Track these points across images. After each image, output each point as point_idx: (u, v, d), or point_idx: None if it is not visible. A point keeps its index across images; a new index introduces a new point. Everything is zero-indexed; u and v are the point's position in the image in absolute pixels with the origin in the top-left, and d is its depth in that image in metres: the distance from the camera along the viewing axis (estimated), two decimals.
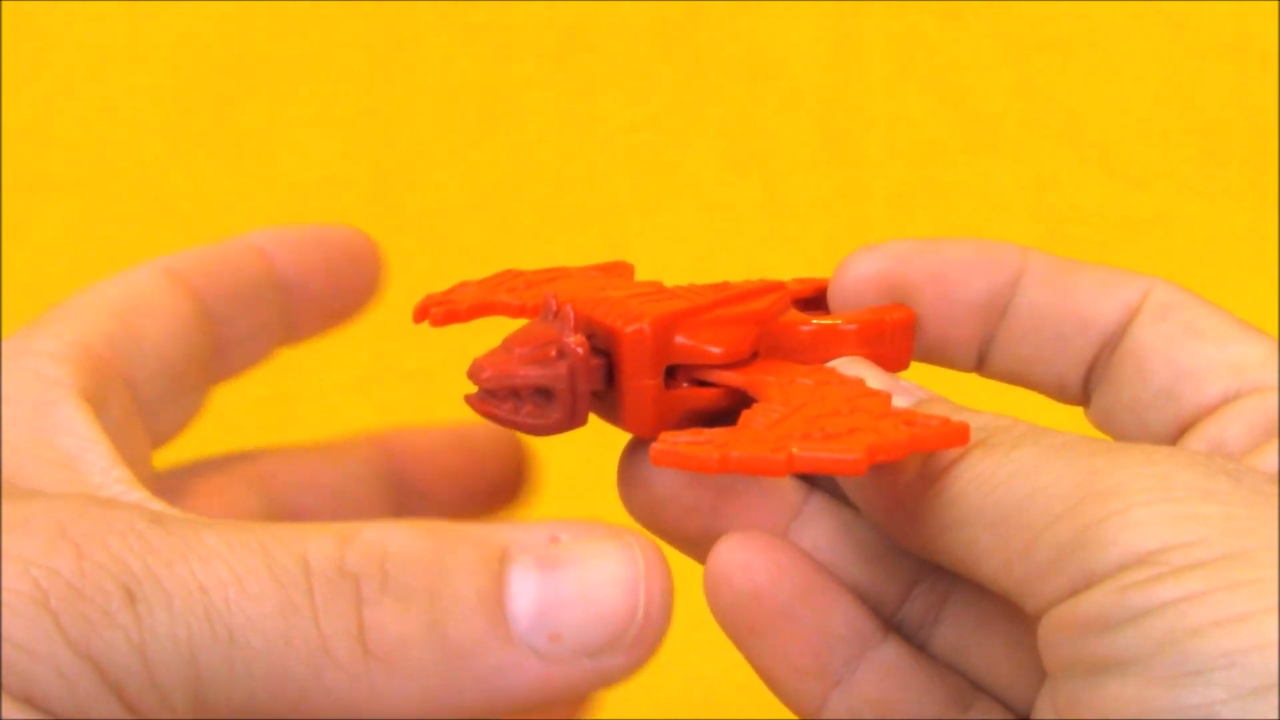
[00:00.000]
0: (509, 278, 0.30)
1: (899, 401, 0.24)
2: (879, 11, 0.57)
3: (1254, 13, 0.56)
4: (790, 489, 0.27)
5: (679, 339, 0.26)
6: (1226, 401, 0.25)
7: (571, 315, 0.25)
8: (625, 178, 0.57)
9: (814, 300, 0.28)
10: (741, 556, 0.25)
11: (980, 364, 0.27)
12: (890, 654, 0.26)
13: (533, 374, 0.25)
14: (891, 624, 0.27)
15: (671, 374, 0.26)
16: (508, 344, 0.26)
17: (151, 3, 0.57)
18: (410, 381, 0.54)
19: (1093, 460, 0.22)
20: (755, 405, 0.24)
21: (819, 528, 0.27)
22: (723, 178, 0.57)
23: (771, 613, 0.25)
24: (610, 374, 0.26)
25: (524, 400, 0.25)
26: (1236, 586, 0.20)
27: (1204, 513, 0.20)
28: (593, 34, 0.57)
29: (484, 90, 0.57)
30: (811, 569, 0.26)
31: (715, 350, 0.26)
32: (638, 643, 0.23)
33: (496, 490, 0.29)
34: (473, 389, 0.26)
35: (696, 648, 0.48)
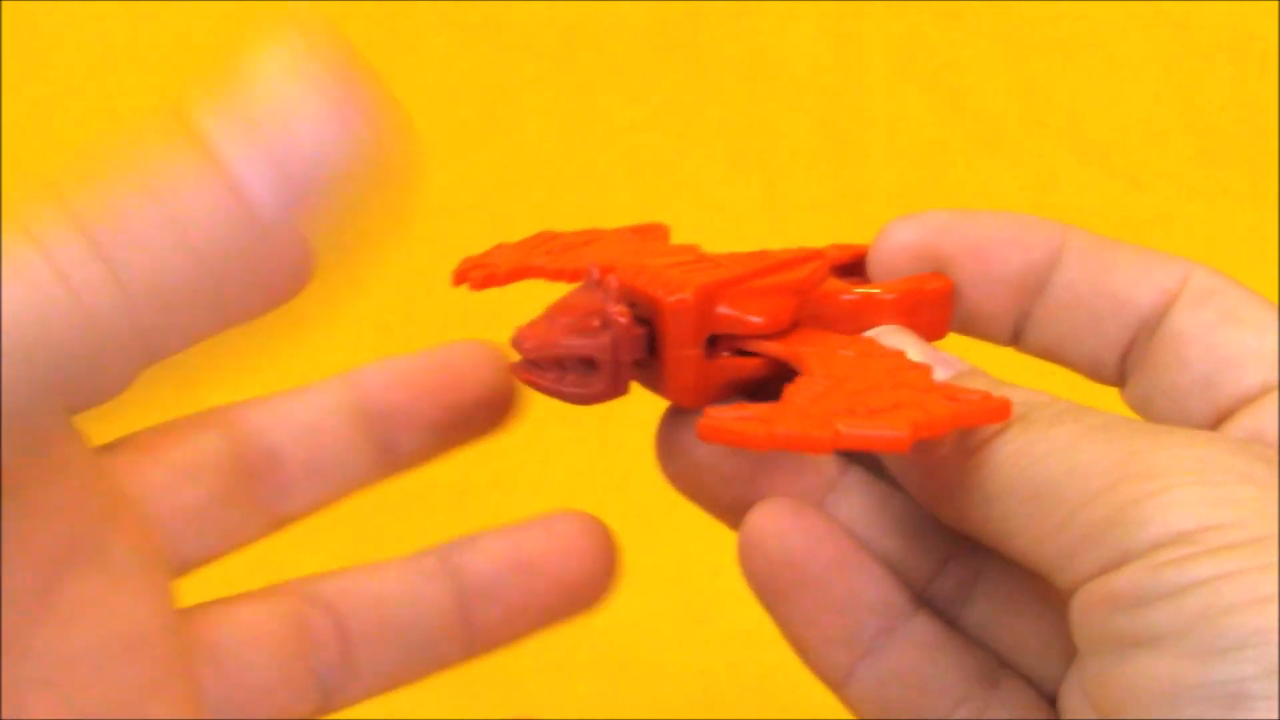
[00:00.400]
0: (545, 239, 0.30)
1: (939, 374, 0.24)
2: (879, 11, 0.57)
3: (1254, 13, 0.56)
4: (827, 462, 0.27)
5: (721, 309, 0.25)
6: (1266, 391, 0.25)
7: (614, 285, 0.25)
8: (625, 178, 0.57)
9: (852, 267, 0.28)
10: (776, 523, 0.26)
11: (1016, 339, 0.27)
12: (920, 627, 0.26)
13: (576, 344, 0.25)
14: (923, 599, 0.27)
15: (713, 343, 0.26)
16: (551, 313, 0.26)
17: (151, 3, 0.57)
18: None
19: (1132, 441, 0.22)
20: (798, 379, 0.24)
21: (854, 501, 0.27)
22: (723, 178, 0.57)
23: (803, 579, 0.26)
24: (652, 343, 0.26)
25: (567, 370, 0.25)
26: (1270, 568, 0.20)
27: (1242, 496, 0.21)
28: (593, 34, 0.57)
29: (484, 90, 0.57)
30: (845, 539, 0.26)
31: (757, 320, 0.25)
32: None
33: (480, 410, 0.28)
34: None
35: (696, 647, 0.48)
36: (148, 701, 0.23)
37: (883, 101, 0.57)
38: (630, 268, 0.26)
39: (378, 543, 0.53)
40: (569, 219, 0.57)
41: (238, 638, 0.25)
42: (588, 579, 0.28)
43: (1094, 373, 0.27)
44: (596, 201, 0.57)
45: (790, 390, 0.23)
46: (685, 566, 0.51)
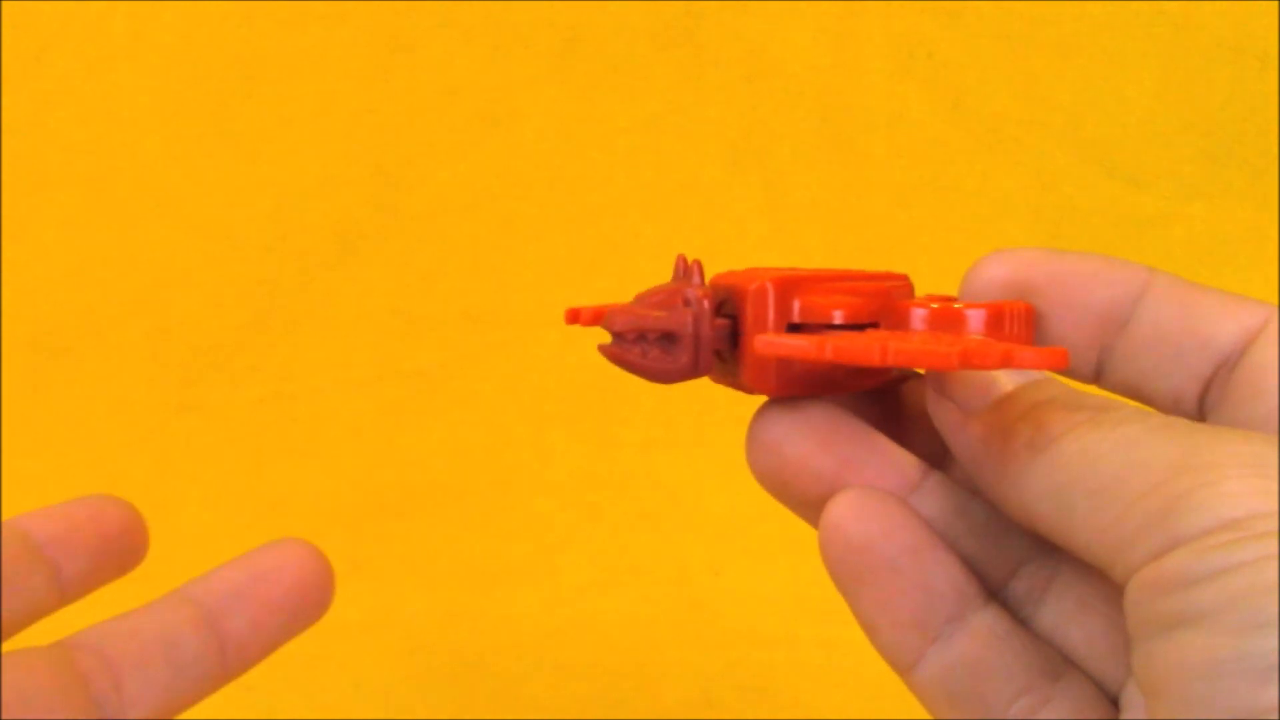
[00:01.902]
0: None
1: (1012, 378, 0.26)
2: (879, 11, 0.57)
3: (1254, 13, 0.56)
4: (911, 465, 0.28)
5: (800, 301, 0.27)
6: None
7: (698, 270, 0.27)
8: (625, 178, 0.57)
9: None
10: (858, 508, 0.27)
11: (1098, 375, 0.28)
12: (990, 618, 0.27)
13: (660, 317, 0.27)
14: (997, 596, 0.28)
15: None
16: (639, 298, 0.27)
17: (151, 3, 0.57)
18: (410, 381, 0.54)
19: (1192, 437, 0.23)
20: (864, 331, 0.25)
21: (935, 502, 0.28)
22: (723, 178, 0.57)
23: (880, 563, 0.27)
24: (735, 336, 0.27)
25: (651, 345, 0.27)
26: None
27: None
28: (593, 34, 0.57)
29: (484, 90, 0.57)
30: (923, 529, 0.27)
31: (836, 311, 0.27)
32: None
33: (304, 595, 0.32)
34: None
35: (696, 647, 0.48)
36: None
37: (883, 101, 0.57)
38: (723, 274, 0.28)
39: (378, 543, 0.53)
40: (569, 219, 0.57)
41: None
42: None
43: (1174, 408, 0.28)
44: (596, 201, 0.57)
45: (853, 334, 0.25)
46: (685, 566, 0.51)
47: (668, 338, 0.27)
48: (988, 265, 0.28)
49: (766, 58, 0.57)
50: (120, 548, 0.31)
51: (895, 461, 0.28)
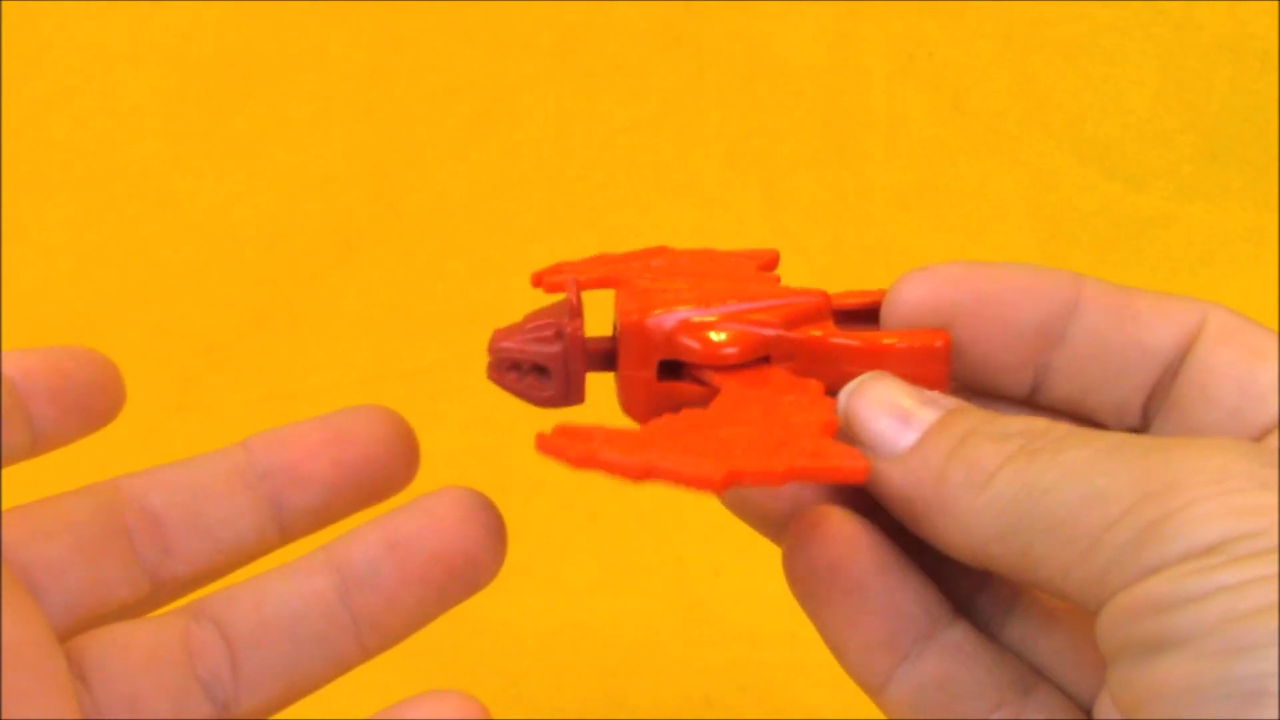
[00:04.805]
0: (656, 253, 0.31)
1: (925, 414, 0.24)
2: (879, 11, 0.57)
3: (1254, 13, 0.56)
4: None
5: (681, 338, 0.26)
6: None
7: (574, 301, 0.27)
8: (625, 178, 0.57)
9: (866, 314, 0.28)
10: (821, 528, 0.26)
11: (1034, 392, 0.27)
12: (959, 635, 0.26)
13: (529, 350, 0.27)
14: (964, 612, 0.27)
15: (674, 369, 0.27)
16: (523, 320, 0.27)
17: (151, 3, 0.57)
18: (410, 381, 0.54)
19: (1146, 459, 0.22)
20: (673, 413, 0.25)
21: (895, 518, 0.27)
22: (723, 178, 0.57)
23: (845, 585, 0.26)
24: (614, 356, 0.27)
25: (525, 373, 0.27)
26: None
27: (1262, 503, 0.21)
28: (593, 34, 0.57)
29: (484, 90, 0.57)
30: (888, 547, 0.26)
31: (701, 349, 0.26)
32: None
33: (375, 469, 0.28)
34: None
35: (696, 647, 0.48)
36: (24, 708, 0.24)
37: (883, 101, 0.57)
38: (631, 288, 0.27)
39: None
40: (569, 219, 0.57)
41: (115, 653, 0.26)
42: (466, 554, 0.27)
43: (1117, 420, 0.27)
44: (596, 201, 0.57)
45: (667, 417, 0.24)
46: (685, 566, 0.51)
47: (538, 368, 0.27)
48: (908, 287, 0.27)
49: (766, 58, 0.57)
50: (94, 401, 0.28)
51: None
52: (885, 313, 0.27)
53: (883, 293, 0.27)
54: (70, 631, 0.26)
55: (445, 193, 0.56)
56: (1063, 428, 0.23)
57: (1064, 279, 0.26)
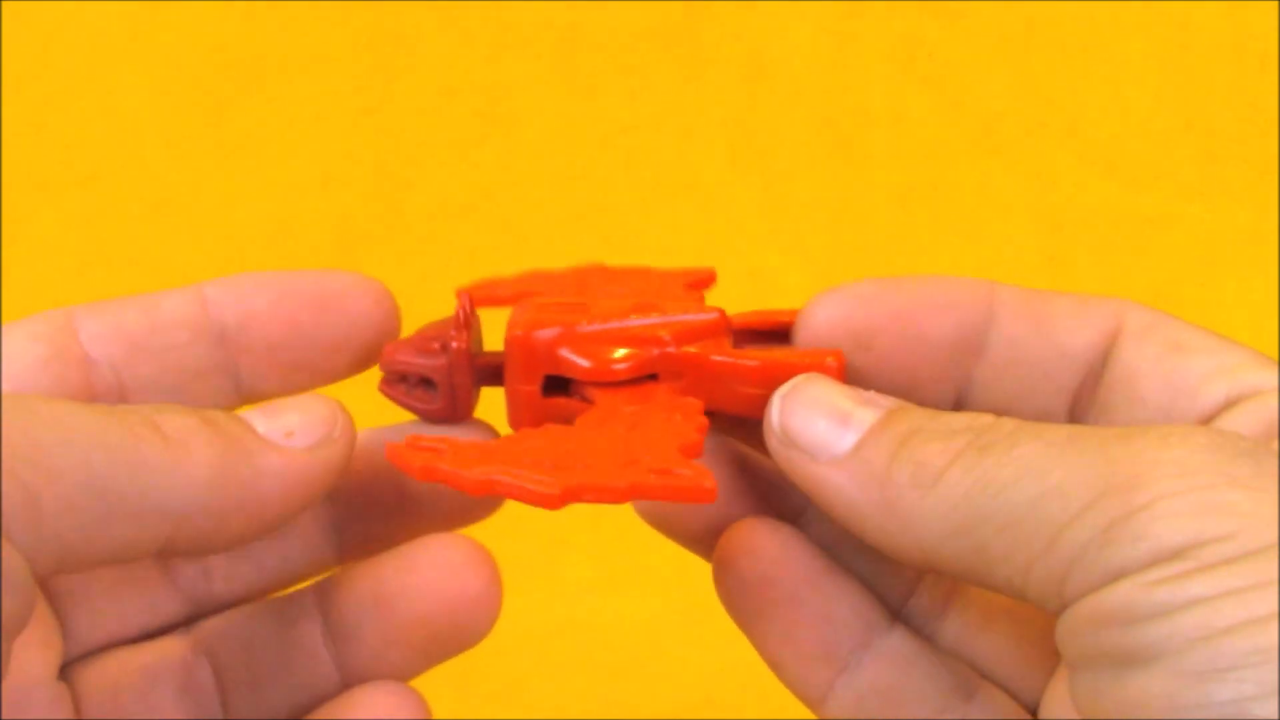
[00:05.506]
0: (595, 272, 0.31)
1: (864, 414, 0.24)
2: (879, 11, 0.57)
3: (1254, 13, 0.56)
4: (796, 490, 0.26)
5: (561, 351, 0.26)
6: (1223, 408, 0.24)
7: (462, 315, 0.27)
8: (625, 178, 0.57)
9: (774, 335, 0.27)
10: (749, 542, 0.26)
11: (957, 406, 0.26)
12: (896, 642, 0.26)
13: (414, 362, 0.27)
14: (899, 616, 0.27)
15: (562, 385, 0.27)
16: (419, 331, 0.28)
17: (151, 3, 0.57)
18: None
19: (1105, 450, 0.21)
20: (534, 429, 0.25)
21: (821, 526, 0.27)
22: (723, 178, 0.57)
23: (779, 598, 0.26)
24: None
25: (413, 386, 0.27)
26: (1268, 585, 0.19)
27: (1231, 501, 0.20)
28: (593, 34, 0.57)
29: (484, 90, 0.57)
30: (818, 556, 0.26)
31: (584, 365, 0.26)
32: (342, 437, 0.25)
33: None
34: None
35: (696, 647, 0.48)
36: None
37: (883, 101, 0.57)
38: (527, 303, 0.27)
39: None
40: (569, 219, 0.57)
41: (121, 682, 0.26)
42: (453, 618, 0.26)
43: None
44: (596, 201, 0.57)
45: (523, 432, 0.25)
46: (685, 566, 0.51)
47: (424, 381, 0.27)
48: (821, 307, 0.26)
49: (766, 58, 0.57)
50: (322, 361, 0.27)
51: (783, 486, 0.26)
52: (798, 333, 0.26)
53: (794, 313, 0.27)
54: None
55: (445, 193, 0.56)
56: (1011, 422, 0.23)
57: (978, 289, 0.26)
